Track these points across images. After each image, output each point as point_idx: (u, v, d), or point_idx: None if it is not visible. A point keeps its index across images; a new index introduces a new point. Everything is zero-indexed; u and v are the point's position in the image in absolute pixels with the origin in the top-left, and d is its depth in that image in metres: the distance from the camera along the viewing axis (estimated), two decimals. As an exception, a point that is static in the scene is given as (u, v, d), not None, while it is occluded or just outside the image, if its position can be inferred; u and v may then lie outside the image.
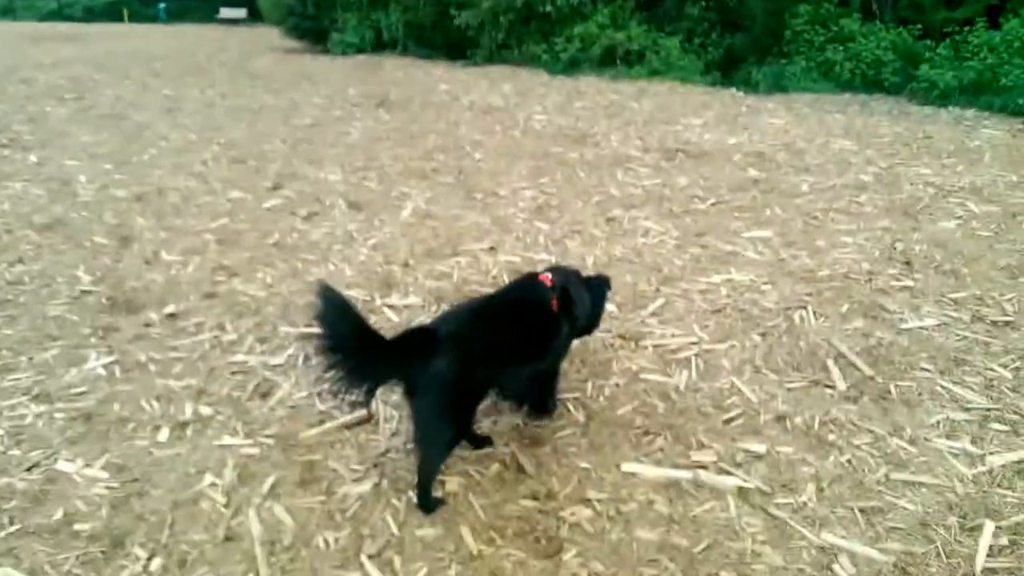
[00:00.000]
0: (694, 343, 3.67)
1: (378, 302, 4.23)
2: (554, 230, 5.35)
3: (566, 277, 2.80)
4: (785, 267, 4.59)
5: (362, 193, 6.34)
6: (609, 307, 3.72)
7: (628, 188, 6.34)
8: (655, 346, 3.66)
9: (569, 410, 3.12)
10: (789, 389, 3.24)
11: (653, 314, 3.99)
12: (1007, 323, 3.77)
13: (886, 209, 5.68)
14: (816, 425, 2.97)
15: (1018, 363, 3.37)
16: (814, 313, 3.94)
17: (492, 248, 5.03)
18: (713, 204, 5.88)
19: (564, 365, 3.17)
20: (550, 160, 7.34)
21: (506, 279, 4.49)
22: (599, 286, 3.04)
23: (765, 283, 4.36)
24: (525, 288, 2.77)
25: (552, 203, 5.97)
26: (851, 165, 7.04)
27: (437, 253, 4.97)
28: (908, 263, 4.56)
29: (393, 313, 4.08)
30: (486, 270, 4.67)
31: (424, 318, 3.95)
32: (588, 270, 4.21)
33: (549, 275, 2.76)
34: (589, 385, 3.31)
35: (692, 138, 8.40)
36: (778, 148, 7.80)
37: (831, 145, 7.96)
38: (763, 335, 3.73)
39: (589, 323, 2.98)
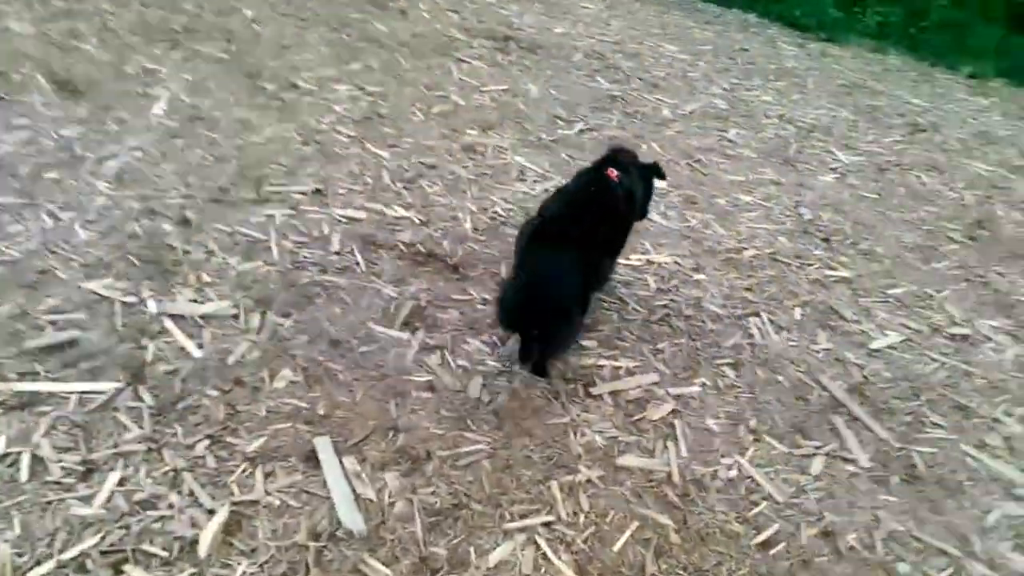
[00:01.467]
0: (656, 384, 2.63)
1: (151, 308, 2.51)
2: (400, 163, 3.82)
3: (629, 176, 2.74)
4: (703, 240, 3.68)
5: (76, 63, 4.08)
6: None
7: (472, 95, 4.89)
8: (612, 393, 2.55)
9: (546, 556, 1.93)
10: (813, 474, 2.37)
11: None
12: (965, 337, 3.29)
13: (761, 152, 5.01)
14: (878, 546, 2.16)
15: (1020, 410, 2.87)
16: (770, 323, 3.11)
17: (319, 191, 3.40)
18: (582, 131, 4.72)
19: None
20: (354, 33, 5.50)
21: (359, 258, 2.98)
22: (649, 177, 2.94)
23: (693, 268, 3.42)
24: (599, 187, 2.65)
25: (381, 111, 4.34)
26: (695, 83, 6.26)
27: (232, 197, 3.22)
28: (827, 240, 3.92)
29: (184, 335, 2.42)
30: (321, 235, 3.09)
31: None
32: (467, 236, 2.94)
33: (615, 171, 2.68)
34: (555, 486, 2.13)
35: (514, 20, 6.98)
36: (613, 48, 6.74)
37: (662, 51, 7.11)
38: (734, 366, 2.81)
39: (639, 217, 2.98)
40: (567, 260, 2.31)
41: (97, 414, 2.08)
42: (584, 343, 2.76)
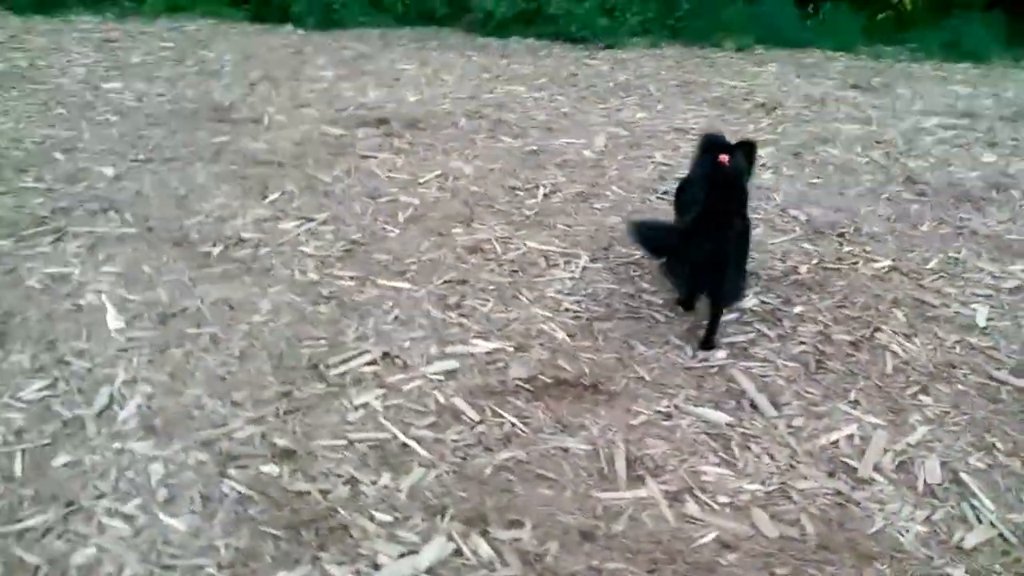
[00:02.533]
0: (892, 441, 2.47)
1: (352, 585, 1.86)
2: (427, 289, 3.31)
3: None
4: (761, 265, 3.59)
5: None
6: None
7: (418, 190, 4.42)
8: (876, 469, 2.33)
9: None
10: None
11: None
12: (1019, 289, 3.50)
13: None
14: None
15: None
16: (894, 333, 3.09)
17: (387, 355, 2.81)
18: (547, 195, 4.46)
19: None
20: (235, 159, 4.77)
21: (509, 419, 2.48)
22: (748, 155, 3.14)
23: (783, 302, 3.31)
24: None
25: (353, 237, 3.75)
26: (575, 118, 6.22)
27: (303, 398, 2.56)
28: (842, 235, 4.02)
29: None
30: (441, 405, 2.54)
31: None
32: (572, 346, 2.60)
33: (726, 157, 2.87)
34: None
35: (364, 100, 6.51)
36: (478, 105, 6.49)
37: (515, 94, 6.99)
38: (923, 391, 2.72)
39: None
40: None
41: None
42: (787, 410, 2.52)
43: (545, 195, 4.43)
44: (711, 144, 3.18)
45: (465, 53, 9.00)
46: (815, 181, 4.81)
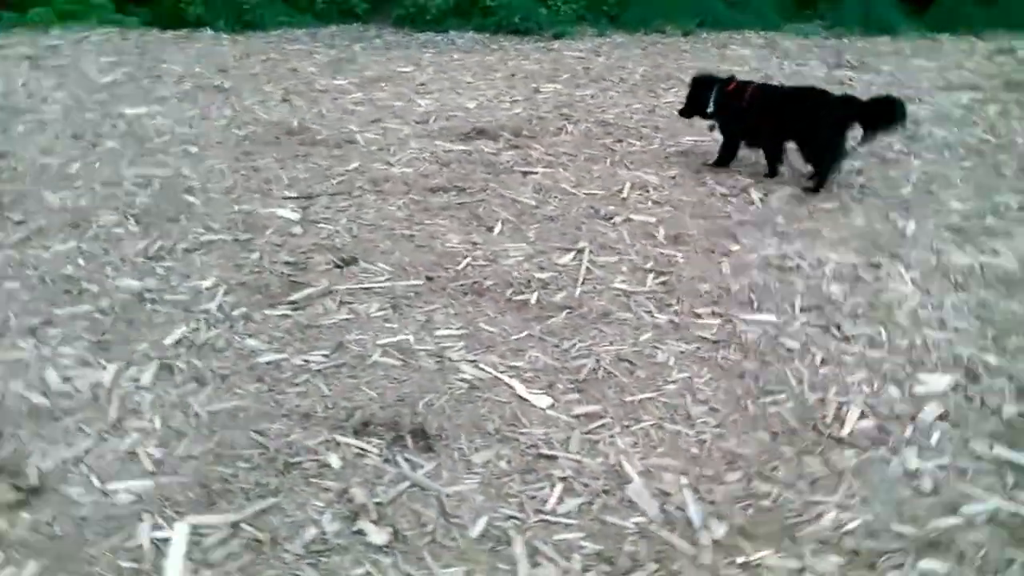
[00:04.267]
0: None
1: None
2: (869, 340, 2.98)
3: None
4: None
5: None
6: None
7: (619, 204, 4.03)
8: None
9: None
10: None
11: None
12: None
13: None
14: None
15: None
16: None
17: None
18: (763, 198, 4.22)
19: None
20: (399, 188, 4.12)
21: None
22: None
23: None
24: None
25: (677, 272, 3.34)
26: (666, 115, 5.96)
27: None
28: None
29: None
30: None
31: None
32: None
33: None
34: None
35: (422, 109, 5.94)
36: (556, 107, 5.96)
37: (588, 96, 6.55)
38: None
39: None
40: None
41: None
42: None
43: (761, 198, 4.19)
44: (709, 80, 4.48)
45: (424, 50, 8.57)
46: (966, 164, 4.90)
